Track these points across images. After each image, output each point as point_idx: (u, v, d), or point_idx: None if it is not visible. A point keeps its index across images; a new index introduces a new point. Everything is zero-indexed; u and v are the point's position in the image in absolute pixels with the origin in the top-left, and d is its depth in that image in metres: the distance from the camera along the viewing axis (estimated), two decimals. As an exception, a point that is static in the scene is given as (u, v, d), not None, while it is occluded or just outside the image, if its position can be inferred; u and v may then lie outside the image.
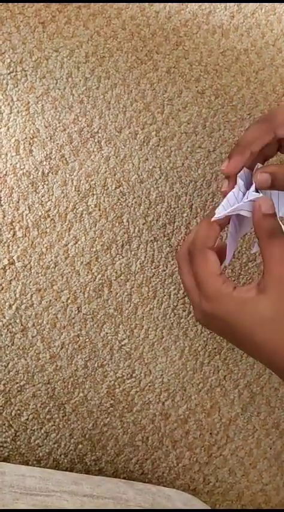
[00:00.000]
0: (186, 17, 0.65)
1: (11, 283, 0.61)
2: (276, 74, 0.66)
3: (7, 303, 0.61)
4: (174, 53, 0.65)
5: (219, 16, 0.65)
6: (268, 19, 0.66)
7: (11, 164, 0.61)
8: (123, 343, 0.62)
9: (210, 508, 0.59)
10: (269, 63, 0.66)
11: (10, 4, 0.61)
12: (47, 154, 0.62)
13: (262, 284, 0.46)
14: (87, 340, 0.62)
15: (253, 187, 0.49)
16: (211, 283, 0.47)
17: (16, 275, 0.61)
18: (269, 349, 0.45)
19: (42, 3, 0.62)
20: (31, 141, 0.62)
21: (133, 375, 0.62)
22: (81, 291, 0.62)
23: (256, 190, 0.49)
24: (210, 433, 0.62)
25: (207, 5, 0.65)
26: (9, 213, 0.61)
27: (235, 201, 0.49)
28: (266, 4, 0.66)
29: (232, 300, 0.46)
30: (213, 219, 0.49)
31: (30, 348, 0.61)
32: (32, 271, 0.61)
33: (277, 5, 0.66)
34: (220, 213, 0.49)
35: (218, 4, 0.65)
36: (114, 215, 0.63)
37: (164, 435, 0.62)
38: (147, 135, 0.64)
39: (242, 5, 0.66)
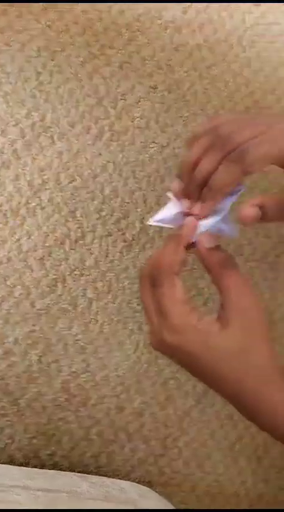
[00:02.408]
0: (138, 12, 0.67)
1: None
2: (228, 69, 0.69)
3: None
4: (127, 48, 0.67)
5: (172, 11, 0.68)
6: (220, 15, 0.69)
7: None
8: (77, 337, 0.64)
9: (163, 498, 0.61)
10: (222, 59, 0.69)
11: None
12: (-1, 149, 0.64)
13: (223, 317, 0.45)
14: (41, 335, 0.64)
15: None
16: (177, 314, 0.45)
17: None
18: (232, 380, 0.45)
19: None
20: (-17, 136, 0.63)
21: (88, 369, 0.64)
22: (34, 286, 0.64)
23: None
24: (165, 426, 0.65)
25: None
26: None
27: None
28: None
29: (197, 333, 0.45)
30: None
31: (-16, 344, 0.63)
32: (-15, 266, 0.63)
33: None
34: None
35: None
36: (68, 210, 0.65)
37: (119, 428, 0.64)
38: (100, 130, 0.66)
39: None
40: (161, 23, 0.68)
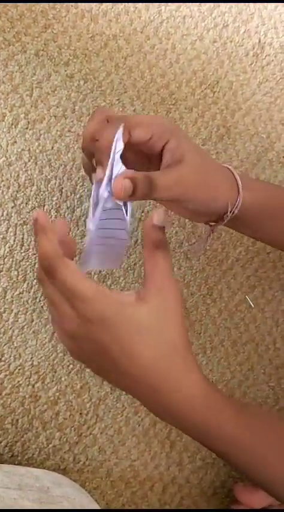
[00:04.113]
0: None
1: None
2: (144, 60, 0.72)
3: None
4: (43, 35, 0.69)
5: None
6: (136, 6, 0.72)
7: None
8: (-9, 327, 0.66)
9: (77, 484, 0.64)
10: (138, 49, 0.72)
11: None
12: None
13: (142, 292, 0.48)
14: None
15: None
16: (85, 285, 0.46)
17: None
18: (144, 363, 0.46)
19: None
20: None
21: (2, 358, 0.66)
22: None
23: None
24: (80, 413, 0.68)
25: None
26: None
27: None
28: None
29: (112, 299, 0.46)
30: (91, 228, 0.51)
31: None
32: None
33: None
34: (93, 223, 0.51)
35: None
36: (-19, 198, 0.67)
37: (34, 417, 0.67)
38: (15, 118, 0.68)
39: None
40: (77, 12, 0.70)
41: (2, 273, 0.67)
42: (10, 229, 0.67)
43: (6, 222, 0.67)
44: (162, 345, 0.47)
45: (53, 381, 0.68)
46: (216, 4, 0.74)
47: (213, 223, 0.58)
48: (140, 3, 0.72)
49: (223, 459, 0.51)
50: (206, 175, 0.54)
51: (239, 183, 0.56)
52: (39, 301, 0.68)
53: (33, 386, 0.67)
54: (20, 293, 0.67)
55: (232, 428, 0.49)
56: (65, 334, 0.48)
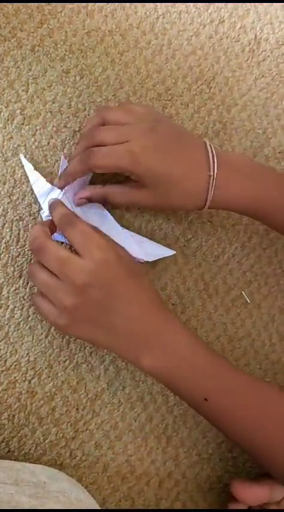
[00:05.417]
0: (50, -5, 0.70)
1: None
2: (140, 56, 0.73)
3: None
4: (39, 31, 0.70)
5: (84, -4, 0.71)
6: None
7: None
8: (-13, 323, 0.67)
9: (73, 479, 0.65)
10: (134, 45, 0.73)
11: None
12: None
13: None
14: None
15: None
16: (100, 234, 0.61)
17: None
18: (142, 299, 0.61)
19: None
20: None
21: (-1, 354, 0.67)
22: None
23: None
24: (76, 409, 0.69)
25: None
26: None
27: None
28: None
29: (118, 249, 0.62)
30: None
31: None
32: None
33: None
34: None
35: (82, -16, 0.71)
36: (-23, 194, 0.67)
37: (30, 413, 0.68)
38: (11, 113, 0.69)
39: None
40: (73, 7, 0.71)
41: (-2, 269, 0.68)
42: (6, 225, 0.68)
43: (2, 218, 0.68)
44: (148, 285, 0.62)
45: (49, 376, 0.69)
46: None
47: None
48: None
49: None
50: (169, 197, 0.63)
51: (210, 196, 0.62)
52: (36, 297, 0.68)
53: (29, 382, 0.68)
54: (16, 289, 0.68)
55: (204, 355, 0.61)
56: (66, 313, 0.59)
